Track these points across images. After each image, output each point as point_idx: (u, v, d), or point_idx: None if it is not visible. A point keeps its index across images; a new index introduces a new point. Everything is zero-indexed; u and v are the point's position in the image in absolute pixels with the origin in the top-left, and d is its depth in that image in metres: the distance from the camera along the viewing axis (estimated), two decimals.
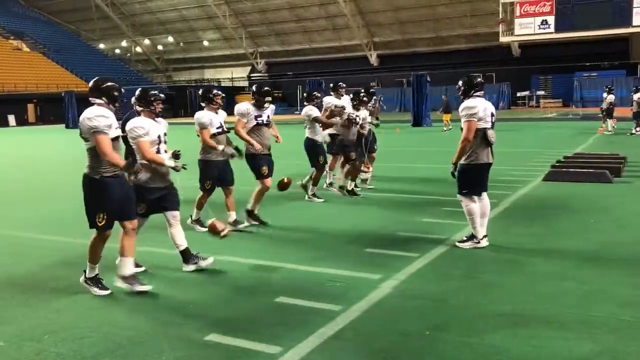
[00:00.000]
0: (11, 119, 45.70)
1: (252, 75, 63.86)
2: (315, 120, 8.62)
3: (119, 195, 4.75)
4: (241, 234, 6.85)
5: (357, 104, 8.97)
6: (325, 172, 9.17)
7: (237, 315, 4.33)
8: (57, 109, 43.25)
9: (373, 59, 56.90)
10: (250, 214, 7.22)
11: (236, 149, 6.97)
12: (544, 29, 41.91)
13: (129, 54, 68.64)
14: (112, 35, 66.03)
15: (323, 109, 8.84)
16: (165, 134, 5.36)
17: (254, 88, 7.24)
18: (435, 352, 3.61)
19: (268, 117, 7.25)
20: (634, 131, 19.31)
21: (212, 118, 6.70)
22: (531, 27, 42.33)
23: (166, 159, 5.10)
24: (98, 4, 61.56)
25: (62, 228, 7.62)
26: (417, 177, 11.05)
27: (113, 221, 4.80)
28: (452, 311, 4.28)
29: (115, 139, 4.70)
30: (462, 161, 5.93)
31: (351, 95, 9.06)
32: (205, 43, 63.78)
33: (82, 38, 65.68)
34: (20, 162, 17.44)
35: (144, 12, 62.62)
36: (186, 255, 5.39)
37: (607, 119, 20.28)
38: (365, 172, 9.83)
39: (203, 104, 6.84)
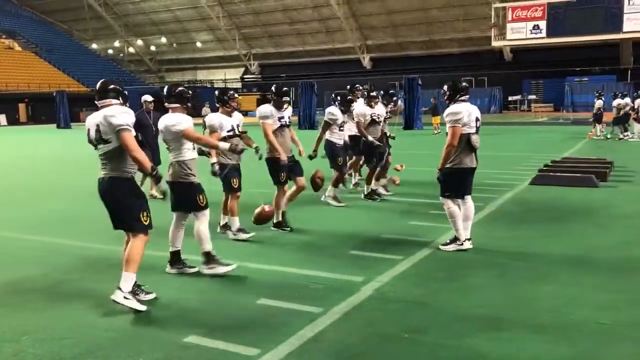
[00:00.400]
0: (2, 118, 45.48)
1: (245, 76, 63.86)
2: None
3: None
4: (225, 235, 6.85)
5: (368, 102, 8.87)
6: (349, 173, 9.12)
7: (218, 316, 4.33)
8: (49, 109, 43.03)
9: (366, 62, 57.04)
10: (279, 223, 7.04)
11: (256, 149, 6.65)
12: (536, 33, 42.17)
13: (121, 54, 68.46)
14: (105, 36, 65.85)
15: (355, 116, 8.74)
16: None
17: (272, 89, 6.96)
18: (413, 355, 3.63)
19: (288, 118, 7.05)
20: (621, 136, 19.47)
21: (222, 121, 6.40)
22: (523, 32, 42.58)
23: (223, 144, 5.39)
24: (91, 3, 61.37)
25: (44, 228, 7.59)
26: (406, 179, 11.07)
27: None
28: (432, 314, 4.30)
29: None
30: (446, 165, 5.98)
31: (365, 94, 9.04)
32: (199, 44, 63.73)
33: (75, 38, 65.44)
34: (9, 162, 17.35)
35: (137, 12, 62.49)
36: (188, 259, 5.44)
37: (596, 124, 20.44)
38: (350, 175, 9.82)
39: (218, 106, 6.59)
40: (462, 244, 5.95)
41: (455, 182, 5.94)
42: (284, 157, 6.77)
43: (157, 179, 4.81)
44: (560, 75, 45.57)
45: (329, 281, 5.06)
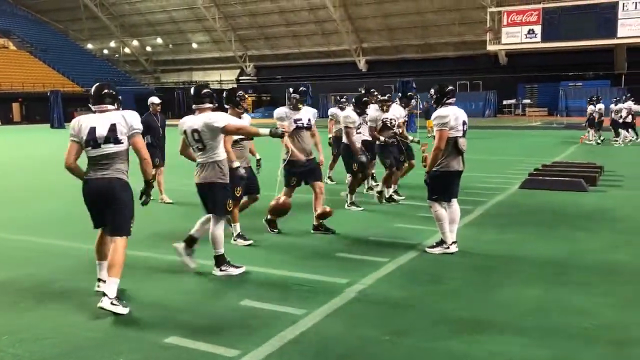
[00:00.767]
0: None
1: (240, 78, 63.83)
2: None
3: None
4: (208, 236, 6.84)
5: (381, 105, 8.72)
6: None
7: (200, 317, 4.33)
8: (43, 109, 42.88)
9: (361, 65, 57.09)
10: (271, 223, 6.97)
11: (257, 162, 6.68)
12: (531, 38, 42.40)
13: (117, 55, 68.31)
14: (101, 36, 65.68)
15: (369, 121, 8.58)
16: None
17: (290, 89, 6.84)
18: (391, 357, 3.64)
19: (309, 120, 6.84)
20: (616, 141, 19.62)
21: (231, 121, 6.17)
22: (518, 36, 42.81)
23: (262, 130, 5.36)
24: (87, 3, 61.22)
25: (32, 229, 7.58)
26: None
27: None
28: (414, 316, 4.31)
29: None
30: (434, 168, 6.01)
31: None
32: (194, 45, 63.66)
33: (70, 38, 65.28)
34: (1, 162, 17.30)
35: (133, 13, 62.38)
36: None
37: (589, 129, 20.55)
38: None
39: (227, 107, 6.34)
40: (448, 247, 5.97)
41: (443, 185, 5.97)
42: (300, 156, 6.60)
43: (151, 187, 4.80)
44: (554, 79, 45.75)
45: (313, 283, 5.07)
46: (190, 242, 5.45)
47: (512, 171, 12.53)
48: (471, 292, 4.85)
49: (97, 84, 4.75)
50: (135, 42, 66.16)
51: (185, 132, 5.29)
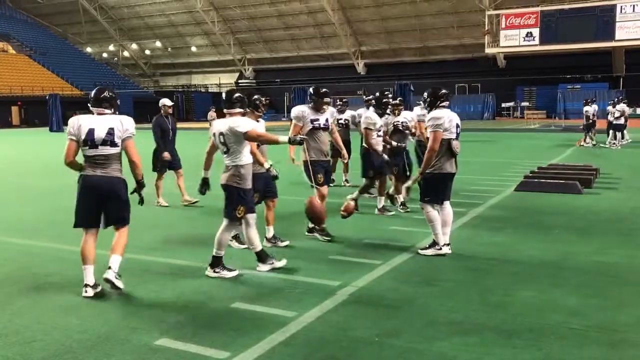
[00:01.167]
0: None
1: (239, 81, 63.93)
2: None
3: None
4: (200, 237, 6.86)
5: (392, 109, 8.56)
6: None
7: (192, 320, 4.33)
8: (42, 112, 42.93)
9: (360, 68, 57.21)
10: (315, 229, 6.80)
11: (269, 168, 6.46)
12: (529, 41, 42.49)
13: (116, 58, 68.42)
14: (100, 39, 65.81)
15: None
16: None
17: (310, 90, 6.70)
18: (382, 359, 3.65)
19: (326, 120, 6.72)
20: (615, 143, 19.69)
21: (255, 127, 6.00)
22: (516, 39, 42.91)
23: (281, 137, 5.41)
24: (86, 7, 61.35)
25: (23, 231, 7.58)
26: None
27: None
28: (406, 318, 4.32)
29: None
30: (427, 170, 6.04)
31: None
32: (193, 49, 63.77)
33: (69, 41, 65.37)
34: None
35: (132, 16, 62.51)
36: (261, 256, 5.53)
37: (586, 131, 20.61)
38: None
39: (247, 110, 6.13)
40: (440, 249, 5.98)
41: (436, 187, 5.99)
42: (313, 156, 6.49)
43: (142, 187, 5.09)
44: (553, 82, 45.89)
45: (305, 285, 5.08)
46: (260, 255, 5.51)
47: (508, 173, 12.55)
48: (464, 294, 4.85)
49: (98, 87, 5.11)
50: (134, 46, 66.30)
51: (214, 134, 5.37)
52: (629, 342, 3.87)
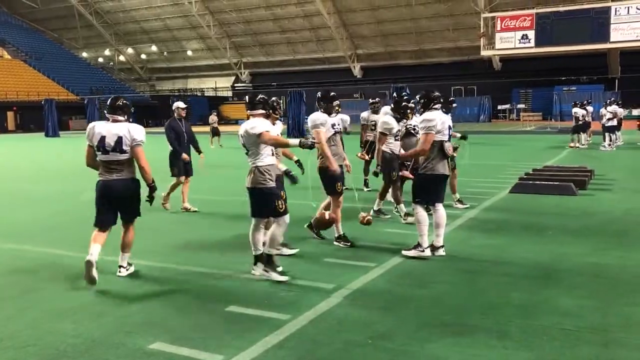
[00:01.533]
0: None
1: (235, 85, 63.99)
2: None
3: None
4: (197, 242, 6.87)
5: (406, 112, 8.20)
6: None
7: (185, 323, 4.34)
8: (38, 117, 42.92)
9: (356, 71, 57.34)
10: (340, 238, 6.70)
11: (298, 162, 6.51)
12: (524, 43, 42.62)
13: (112, 63, 68.42)
14: (95, 44, 65.83)
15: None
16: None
17: (319, 95, 6.61)
18: None
19: (337, 124, 6.76)
20: (611, 144, 19.79)
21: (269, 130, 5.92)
22: (512, 42, 43.03)
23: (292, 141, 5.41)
24: (81, 12, 61.37)
25: (19, 236, 7.58)
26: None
27: None
28: (399, 320, 4.34)
29: None
30: (419, 171, 6.09)
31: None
32: (189, 53, 63.83)
33: (65, 46, 65.36)
34: None
35: (128, 21, 62.54)
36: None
37: (582, 133, 20.67)
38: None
39: (269, 112, 6.04)
40: (423, 251, 6.00)
41: (427, 188, 6.03)
42: (334, 167, 6.40)
43: (154, 190, 5.47)
44: (548, 84, 46.03)
45: (299, 288, 5.09)
46: (267, 260, 5.48)
47: (503, 176, 12.59)
48: (457, 296, 4.87)
49: (113, 96, 5.63)
50: (130, 50, 66.34)
51: (239, 135, 5.47)
52: (621, 342, 3.89)
